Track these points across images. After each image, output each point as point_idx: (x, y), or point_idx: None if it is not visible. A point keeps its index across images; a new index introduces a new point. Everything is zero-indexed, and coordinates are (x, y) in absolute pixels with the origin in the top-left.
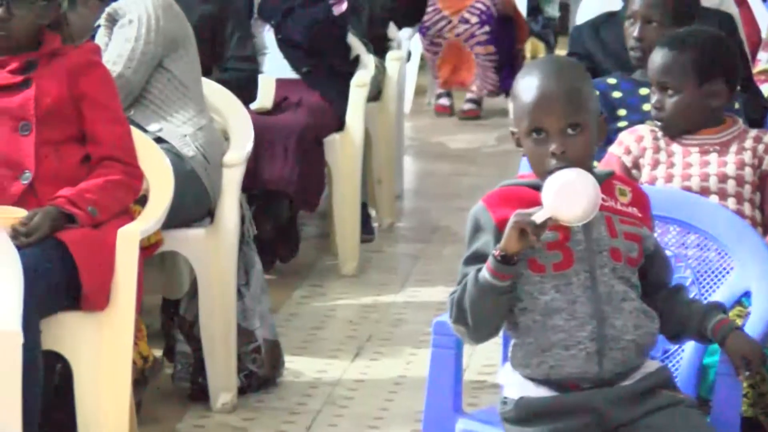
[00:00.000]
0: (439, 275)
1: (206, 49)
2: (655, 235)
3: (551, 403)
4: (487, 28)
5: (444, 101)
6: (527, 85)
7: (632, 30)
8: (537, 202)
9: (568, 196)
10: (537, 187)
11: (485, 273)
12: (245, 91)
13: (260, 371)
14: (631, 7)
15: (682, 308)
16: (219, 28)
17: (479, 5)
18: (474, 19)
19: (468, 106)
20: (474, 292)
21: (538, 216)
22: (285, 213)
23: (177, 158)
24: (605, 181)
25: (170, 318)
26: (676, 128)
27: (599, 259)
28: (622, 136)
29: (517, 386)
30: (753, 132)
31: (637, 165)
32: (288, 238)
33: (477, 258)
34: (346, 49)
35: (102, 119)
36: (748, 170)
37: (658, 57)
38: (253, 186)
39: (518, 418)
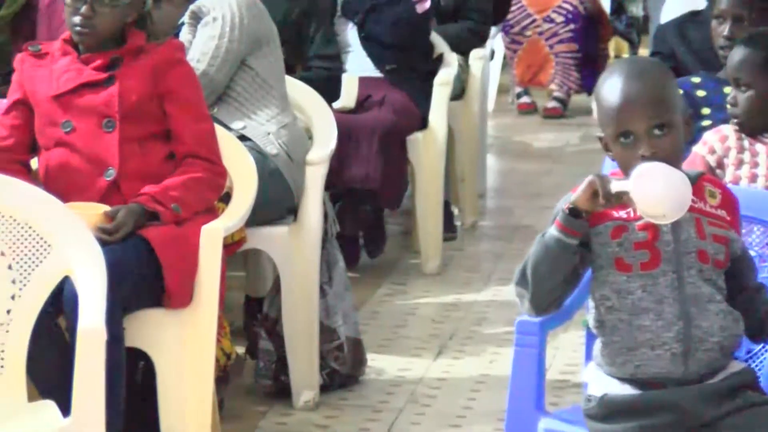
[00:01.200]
0: None
1: (290, 48)
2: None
3: (635, 401)
4: (572, 26)
5: (526, 99)
6: (611, 89)
7: (721, 29)
8: None
9: (654, 183)
10: None
11: (553, 228)
12: (329, 89)
13: (342, 369)
14: (719, 6)
15: (765, 307)
16: (303, 26)
17: (567, 5)
18: (560, 19)
19: (552, 104)
20: (539, 249)
21: (616, 185)
22: (369, 211)
23: (260, 156)
24: (696, 182)
25: (253, 315)
26: (750, 125)
27: (687, 261)
28: (707, 136)
29: (601, 384)
30: None
31: (721, 164)
32: (372, 236)
33: None
34: (429, 48)
35: (186, 116)
36: None
37: (734, 54)
38: (336, 184)
39: (602, 415)
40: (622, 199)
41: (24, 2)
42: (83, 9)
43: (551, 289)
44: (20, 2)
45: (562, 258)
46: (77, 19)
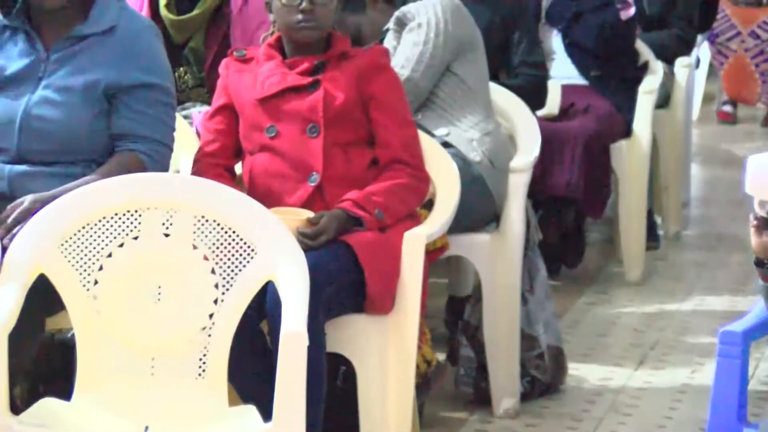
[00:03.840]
0: (726, 284)
1: (494, 55)
2: None
3: None
4: None
5: (727, 108)
6: None
7: None
8: None
9: None
10: None
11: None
12: (535, 97)
13: (543, 377)
14: None
15: None
16: (508, 33)
17: None
18: (765, 35)
19: None
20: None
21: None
22: (571, 219)
23: (463, 163)
24: None
25: (455, 319)
26: None
27: None
28: None
29: None
30: None
31: None
32: (574, 244)
33: None
34: (634, 55)
35: (390, 122)
36: None
37: None
38: (539, 192)
39: None
40: None
41: (215, 6)
42: (303, 4)
43: None
44: (211, 3)
45: None
46: (299, 16)
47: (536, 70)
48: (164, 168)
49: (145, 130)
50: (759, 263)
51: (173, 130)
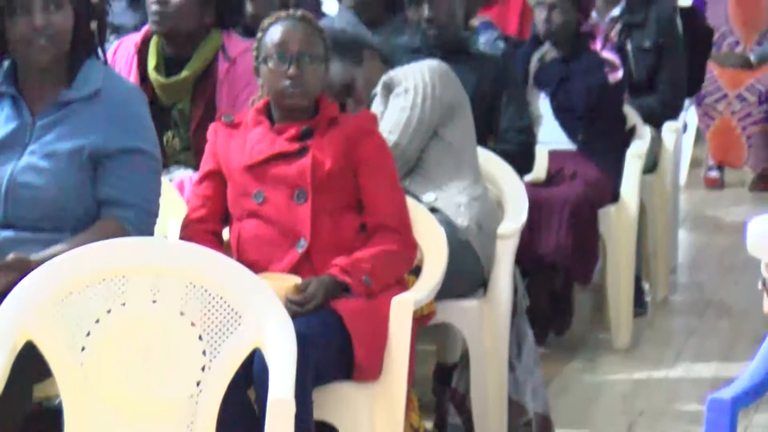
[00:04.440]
0: (714, 350)
1: (482, 119)
2: None
3: None
4: (766, 107)
5: (714, 174)
6: None
7: None
8: None
9: None
10: None
11: None
12: (522, 161)
13: None
14: None
15: None
16: (495, 98)
17: (760, 86)
18: (753, 98)
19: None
20: None
21: None
22: (559, 285)
23: (451, 228)
24: None
25: (443, 386)
26: None
27: None
28: None
29: None
30: None
31: None
32: (562, 310)
33: None
34: (621, 118)
35: (378, 188)
36: None
37: None
38: (527, 257)
39: None
40: None
41: (203, 68)
42: (291, 70)
43: None
44: (200, 66)
45: None
46: (287, 81)
47: (523, 134)
48: (150, 233)
49: (129, 196)
50: None
51: (159, 195)
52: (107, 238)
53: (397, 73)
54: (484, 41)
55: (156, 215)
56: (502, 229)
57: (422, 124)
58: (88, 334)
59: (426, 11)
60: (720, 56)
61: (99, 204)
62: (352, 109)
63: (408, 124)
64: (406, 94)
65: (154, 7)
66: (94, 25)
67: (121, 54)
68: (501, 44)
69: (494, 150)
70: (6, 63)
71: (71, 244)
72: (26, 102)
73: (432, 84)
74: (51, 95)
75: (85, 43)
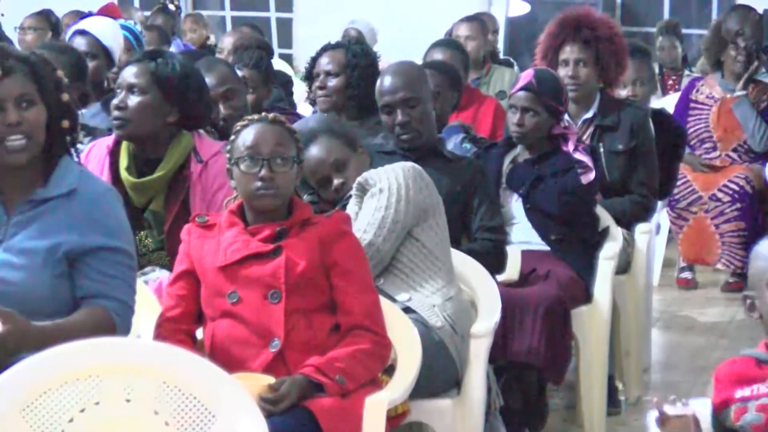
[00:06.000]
0: None
1: (455, 220)
2: None
3: None
4: (738, 205)
5: (686, 275)
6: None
7: None
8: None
9: None
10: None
11: None
12: (494, 261)
13: None
14: None
15: None
16: (468, 199)
17: (733, 184)
18: (726, 198)
19: (733, 279)
20: None
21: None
22: (533, 385)
23: (425, 328)
24: None
25: None
26: None
27: None
28: None
29: None
30: None
31: None
32: (536, 410)
33: None
34: (594, 219)
35: (352, 288)
36: None
37: None
38: (500, 357)
39: None
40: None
41: (176, 168)
42: (263, 172)
43: None
44: (171, 167)
45: None
46: (259, 183)
47: (495, 234)
48: (129, 328)
49: (110, 290)
50: None
51: (135, 292)
52: (96, 322)
53: (371, 174)
54: (451, 145)
55: (134, 310)
56: (475, 329)
57: (396, 225)
58: None
59: (399, 116)
60: (692, 159)
61: (78, 299)
62: (338, 188)
63: (382, 224)
64: (381, 195)
65: (114, 113)
66: (66, 123)
67: (93, 155)
68: (468, 146)
69: (466, 250)
70: None
71: (62, 326)
72: (2, 200)
73: (406, 185)
74: (26, 193)
75: (59, 140)
